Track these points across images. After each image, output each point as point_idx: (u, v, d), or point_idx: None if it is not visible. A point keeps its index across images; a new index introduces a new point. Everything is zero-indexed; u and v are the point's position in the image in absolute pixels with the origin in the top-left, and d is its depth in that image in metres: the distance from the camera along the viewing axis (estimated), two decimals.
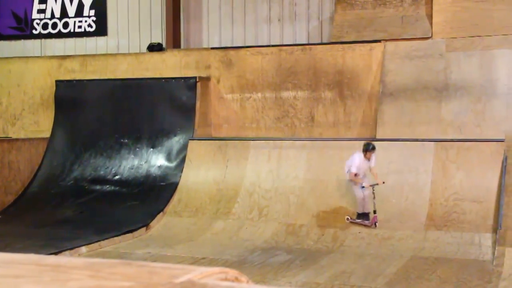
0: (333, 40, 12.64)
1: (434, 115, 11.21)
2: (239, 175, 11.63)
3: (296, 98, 12.69)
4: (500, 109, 10.86)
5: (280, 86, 12.78)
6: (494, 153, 10.24)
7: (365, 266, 8.71)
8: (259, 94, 12.95)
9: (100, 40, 15.57)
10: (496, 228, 9.23)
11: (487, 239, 9.23)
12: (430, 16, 11.92)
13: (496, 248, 8.78)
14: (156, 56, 13.90)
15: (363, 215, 10.00)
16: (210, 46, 14.12)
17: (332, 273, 8.39)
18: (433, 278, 8.16)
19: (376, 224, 9.80)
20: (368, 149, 9.74)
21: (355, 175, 9.81)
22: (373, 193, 9.84)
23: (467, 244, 9.21)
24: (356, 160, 9.75)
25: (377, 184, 9.81)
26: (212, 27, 14.53)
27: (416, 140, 10.89)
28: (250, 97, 13.05)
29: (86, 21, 15.65)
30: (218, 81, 13.28)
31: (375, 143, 10.54)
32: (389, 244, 9.53)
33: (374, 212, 9.83)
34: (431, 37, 11.80)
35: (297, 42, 13.40)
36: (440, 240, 9.42)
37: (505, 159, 10.00)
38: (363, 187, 9.81)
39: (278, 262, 8.98)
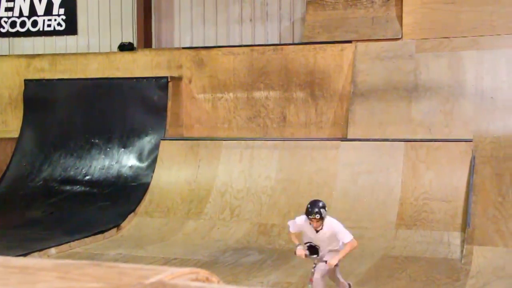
0: (305, 41, 12.69)
1: (404, 115, 11.32)
2: (211, 175, 11.60)
3: (268, 98, 12.71)
4: (468, 110, 11.02)
5: (252, 86, 12.79)
6: (462, 153, 10.40)
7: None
8: (231, 94, 12.94)
9: (70, 39, 15.39)
10: (464, 227, 9.38)
11: (455, 237, 9.37)
12: (400, 18, 12.05)
13: (465, 247, 8.92)
14: (127, 55, 13.79)
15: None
16: (182, 46, 14.07)
17: (304, 272, 8.43)
18: (403, 276, 8.25)
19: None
20: (309, 213, 6.50)
21: (293, 234, 6.94)
22: (313, 268, 6.64)
23: (437, 243, 9.34)
24: (297, 220, 6.82)
25: (325, 261, 6.52)
26: (183, 26, 14.47)
27: (387, 140, 10.99)
28: (222, 97, 13.03)
29: (55, 20, 15.45)
30: (190, 81, 13.23)
31: (347, 143, 10.59)
32: (360, 243, 9.57)
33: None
34: (401, 38, 11.93)
35: (269, 42, 13.43)
36: (410, 239, 9.53)
37: (473, 159, 10.16)
38: (305, 255, 6.68)
39: (250, 262, 8.99)
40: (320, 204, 6.54)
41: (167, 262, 9.01)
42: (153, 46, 14.37)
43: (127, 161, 12.61)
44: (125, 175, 12.36)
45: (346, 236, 6.60)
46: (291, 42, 13.36)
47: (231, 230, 10.47)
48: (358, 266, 8.72)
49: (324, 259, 6.58)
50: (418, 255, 9.10)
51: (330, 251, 6.63)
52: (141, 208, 11.46)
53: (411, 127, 11.17)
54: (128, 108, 12.90)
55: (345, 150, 11.10)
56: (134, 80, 13.08)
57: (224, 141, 12.00)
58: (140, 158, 12.49)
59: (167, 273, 1.01)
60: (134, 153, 12.63)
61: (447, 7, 11.72)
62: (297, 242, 6.79)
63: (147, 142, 12.62)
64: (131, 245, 10.06)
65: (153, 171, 12.06)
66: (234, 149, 11.79)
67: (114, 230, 10.72)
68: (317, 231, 6.55)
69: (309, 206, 6.56)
